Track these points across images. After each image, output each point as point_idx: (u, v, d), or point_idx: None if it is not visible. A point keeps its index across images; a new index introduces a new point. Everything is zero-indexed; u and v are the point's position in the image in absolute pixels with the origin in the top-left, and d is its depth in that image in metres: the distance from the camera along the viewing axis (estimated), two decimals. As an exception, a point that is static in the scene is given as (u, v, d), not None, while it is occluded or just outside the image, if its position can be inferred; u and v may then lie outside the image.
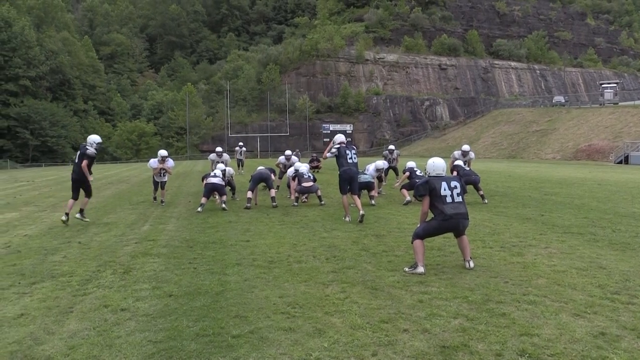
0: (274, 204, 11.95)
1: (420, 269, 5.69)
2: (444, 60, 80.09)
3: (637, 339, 3.83)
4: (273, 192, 12.35)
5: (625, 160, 38.05)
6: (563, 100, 67.35)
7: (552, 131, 51.02)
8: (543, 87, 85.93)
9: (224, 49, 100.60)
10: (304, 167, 13.16)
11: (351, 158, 9.59)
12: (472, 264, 5.93)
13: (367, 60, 75.71)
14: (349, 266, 6.11)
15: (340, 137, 9.90)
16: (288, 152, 16.42)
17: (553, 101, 68.32)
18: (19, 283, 5.74)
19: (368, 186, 11.98)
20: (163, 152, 12.97)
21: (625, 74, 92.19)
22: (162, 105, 74.68)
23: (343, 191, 9.62)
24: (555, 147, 46.49)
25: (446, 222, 5.78)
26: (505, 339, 3.86)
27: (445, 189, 5.82)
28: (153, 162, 12.72)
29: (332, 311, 4.55)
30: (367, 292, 5.07)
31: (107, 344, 3.96)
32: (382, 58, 76.79)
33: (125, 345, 3.92)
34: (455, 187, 5.88)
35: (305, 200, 12.87)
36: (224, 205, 11.52)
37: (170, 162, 12.81)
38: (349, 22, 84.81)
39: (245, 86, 73.79)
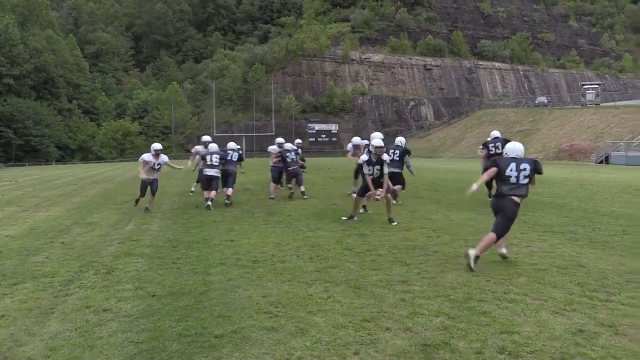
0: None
1: None
2: (429, 60, 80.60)
3: (614, 336, 3.91)
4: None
5: (606, 160, 38.62)
6: (546, 101, 68.14)
7: (535, 131, 51.60)
8: (526, 87, 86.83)
9: (210, 48, 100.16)
10: (288, 145, 13.73)
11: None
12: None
13: (353, 60, 75.95)
14: (333, 265, 6.13)
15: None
16: (280, 139, 16.13)
17: (536, 102, 69.07)
18: (0, 284, 5.68)
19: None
20: (157, 146, 11.85)
21: (607, 76, 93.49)
22: (147, 104, 74.18)
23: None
24: (538, 147, 46.99)
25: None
26: (486, 336, 3.91)
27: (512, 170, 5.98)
28: (147, 156, 11.66)
29: (315, 310, 4.57)
30: (350, 291, 5.10)
31: (88, 345, 3.94)
32: (368, 58, 77.09)
33: (107, 347, 3.91)
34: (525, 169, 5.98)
35: (291, 187, 13.47)
36: (209, 203, 11.47)
37: (164, 157, 11.81)
38: (335, 22, 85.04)
39: (231, 85, 73.54)
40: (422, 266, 6.02)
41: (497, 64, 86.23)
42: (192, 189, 15.15)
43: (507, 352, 3.63)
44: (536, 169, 6.06)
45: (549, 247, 7.06)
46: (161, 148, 11.80)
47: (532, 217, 9.75)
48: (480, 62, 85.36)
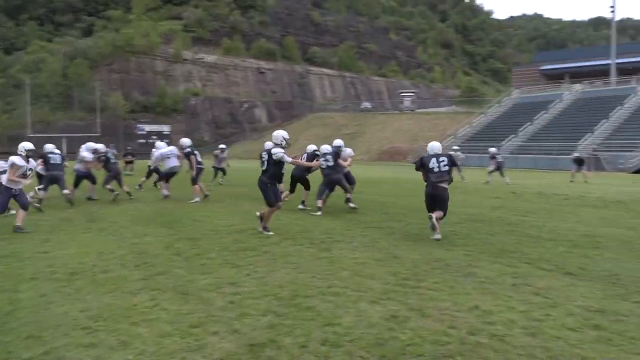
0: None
1: None
2: (263, 64, 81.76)
3: (421, 318, 4.35)
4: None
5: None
6: (370, 106, 73.62)
7: (361, 134, 55.31)
8: (353, 93, 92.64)
9: (23, 38, 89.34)
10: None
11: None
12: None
13: (186, 60, 73.90)
14: (160, 272, 5.90)
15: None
16: (222, 145, 18.52)
17: (361, 107, 74.19)
18: None
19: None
20: (28, 145, 9.25)
21: (421, 85, 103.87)
22: (-58, 99, 63.88)
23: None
24: (363, 149, 50.45)
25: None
26: (310, 330, 4.08)
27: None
28: (17, 159, 8.93)
29: (139, 321, 4.35)
30: (178, 298, 4.96)
31: None
32: (201, 58, 75.64)
33: None
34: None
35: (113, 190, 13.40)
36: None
37: (33, 162, 9.43)
38: (166, 20, 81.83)
39: (48, 81, 66.45)
40: (251, 267, 6.09)
41: (326, 70, 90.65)
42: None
43: (329, 343, 3.83)
44: (452, 161, 8.01)
45: (369, 241, 7.62)
46: (33, 148, 9.38)
47: (355, 215, 10.45)
48: (311, 68, 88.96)
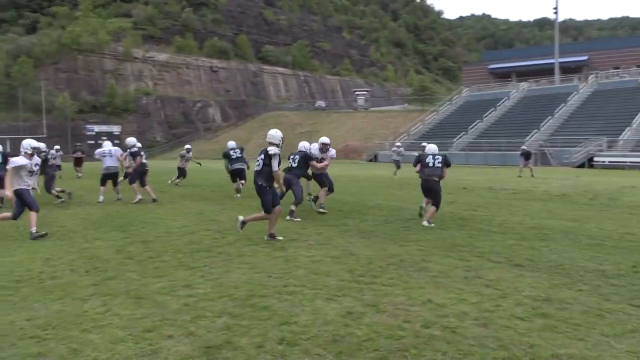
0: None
1: None
2: (216, 62, 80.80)
3: (376, 314, 4.41)
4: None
5: (375, 158, 43.48)
6: (324, 105, 73.93)
7: (316, 133, 55.41)
8: (307, 92, 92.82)
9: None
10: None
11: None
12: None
13: (136, 58, 72.15)
14: (112, 277, 5.75)
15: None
16: (188, 146, 20.06)
17: (315, 105, 74.43)
18: None
19: None
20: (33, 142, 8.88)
21: (374, 83, 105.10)
22: None
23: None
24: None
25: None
26: (267, 330, 4.07)
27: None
28: (20, 159, 8.44)
29: (91, 327, 4.23)
30: (131, 302, 4.85)
31: None
32: (152, 57, 74.02)
33: None
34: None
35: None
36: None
37: (37, 157, 8.93)
38: (115, 17, 79.56)
39: (-11, 80, 63.62)
40: (206, 268, 6.02)
41: (280, 69, 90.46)
42: None
43: (285, 342, 3.83)
44: (446, 161, 9.27)
45: (324, 239, 7.66)
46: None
47: (310, 213, 10.47)
48: (265, 67, 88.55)
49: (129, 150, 13.40)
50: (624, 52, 60.20)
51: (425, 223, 8.83)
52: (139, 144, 13.61)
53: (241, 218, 8.00)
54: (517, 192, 14.82)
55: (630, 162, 30.66)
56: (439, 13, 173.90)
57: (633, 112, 36.89)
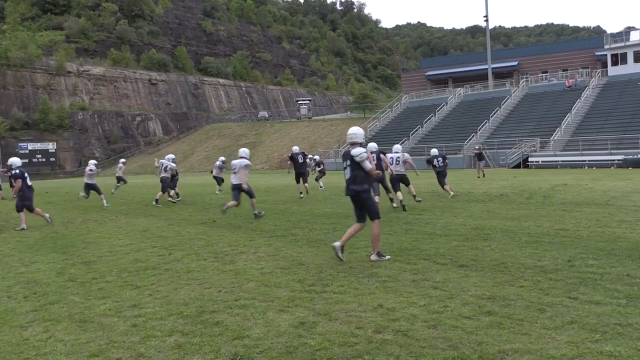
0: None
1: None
2: (154, 75, 79.12)
3: (329, 322, 4.43)
4: None
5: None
6: (267, 115, 73.86)
7: (260, 143, 55.25)
8: (249, 103, 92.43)
9: None
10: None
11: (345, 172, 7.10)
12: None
13: (70, 72, 69.55)
14: (53, 301, 5.50)
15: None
16: (123, 160, 22.65)
17: (258, 116, 74.28)
18: None
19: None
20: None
21: (316, 92, 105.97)
22: None
23: (355, 218, 7.46)
24: (263, 157, 50.45)
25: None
26: (219, 346, 4.01)
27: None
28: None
29: (33, 356, 4.03)
30: (75, 327, 4.65)
31: None
32: (87, 71, 71.59)
33: None
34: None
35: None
36: None
37: None
38: (45, 30, 76.42)
39: None
40: (153, 287, 5.86)
41: (221, 80, 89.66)
42: None
43: (239, 357, 3.78)
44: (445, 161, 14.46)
45: (274, 250, 7.64)
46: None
47: (258, 224, 10.42)
48: (206, 78, 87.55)
49: (9, 172, 12.34)
50: (550, 57, 63.54)
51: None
52: (18, 163, 12.25)
53: (338, 244, 6.77)
54: (459, 194, 15.29)
55: (562, 161, 32.30)
56: (377, 22, 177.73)
57: (562, 114, 38.97)
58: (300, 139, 53.24)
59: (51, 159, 60.42)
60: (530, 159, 33.93)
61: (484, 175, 23.45)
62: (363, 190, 6.74)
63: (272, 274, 6.19)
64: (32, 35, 71.48)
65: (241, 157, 11.31)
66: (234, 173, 11.26)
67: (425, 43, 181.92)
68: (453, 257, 6.64)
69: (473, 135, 39.87)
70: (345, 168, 6.94)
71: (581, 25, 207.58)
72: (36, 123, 62.49)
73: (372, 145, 11.94)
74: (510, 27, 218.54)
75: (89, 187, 17.21)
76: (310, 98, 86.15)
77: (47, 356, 4.02)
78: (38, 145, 60.07)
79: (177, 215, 12.93)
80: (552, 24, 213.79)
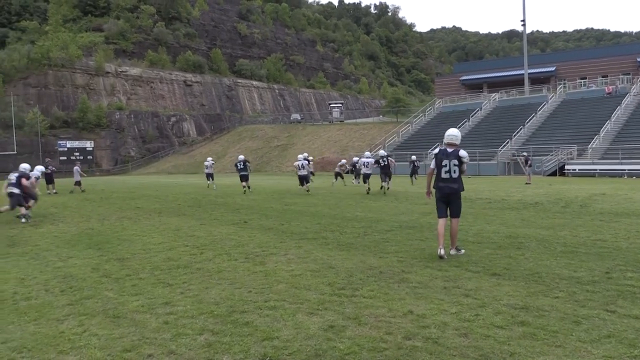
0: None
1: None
2: (189, 76, 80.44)
3: (358, 326, 4.41)
4: None
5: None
6: (299, 118, 74.17)
7: (291, 146, 55.48)
8: (282, 105, 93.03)
9: None
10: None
11: (448, 171, 7.19)
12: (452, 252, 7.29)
13: (108, 72, 71.32)
14: (88, 296, 5.64)
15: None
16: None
17: (291, 118, 74.62)
18: None
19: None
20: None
21: (349, 96, 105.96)
22: None
23: (439, 213, 7.41)
24: (294, 160, 50.63)
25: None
26: (249, 346, 4.04)
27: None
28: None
29: (68, 349, 4.14)
30: (109, 322, 4.76)
31: None
32: (125, 71, 73.29)
33: None
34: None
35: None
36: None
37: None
38: (86, 31, 78.59)
39: (-43, 96, 62.04)
40: (185, 285, 5.95)
41: (255, 83, 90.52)
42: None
43: (268, 358, 3.80)
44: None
45: (304, 253, 7.65)
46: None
47: (289, 226, 10.46)
48: (239, 80, 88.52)
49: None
50: (589, 62, 61.96)
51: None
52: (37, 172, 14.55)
53: (442, 252, 6.98)
54: (492, 202, 15.04)
55: (600, 169, 31.43)
56: (411, 26, 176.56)
57: (601, 121, 37.92)
58: (332, 142, 53.27)
59: (88, 157, 61.98)
60: (566, 167, 33.12)
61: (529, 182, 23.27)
62: (460, 189, 7.24)
63: (302, 276, 6.20)
64: (73, 36, 73.55)
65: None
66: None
67: (460, 47, 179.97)
68: (485, 265, 6.53)
69: (508, 142, 39.18)
70: (443, 167, 7.15)
71: (623, 31, 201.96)
72: (75, 122, 64.28)
73: (381, 153, 18.96)
74: (548, 32, 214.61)
75: (209, 176, 25.42)
76: (342, 101, 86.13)
77: (81, 349, 4.12)
78: (76, 144, 61.71)
79: (208, 215, 13.10)
80: (592, 28, 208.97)
